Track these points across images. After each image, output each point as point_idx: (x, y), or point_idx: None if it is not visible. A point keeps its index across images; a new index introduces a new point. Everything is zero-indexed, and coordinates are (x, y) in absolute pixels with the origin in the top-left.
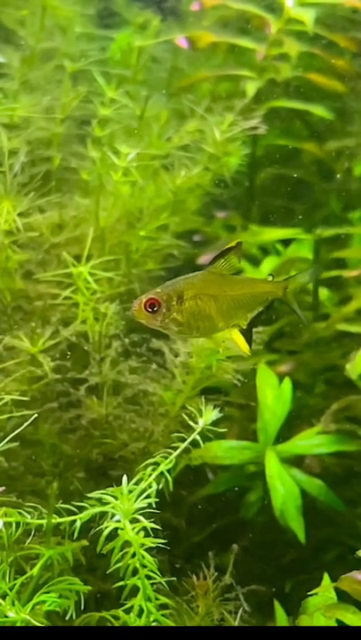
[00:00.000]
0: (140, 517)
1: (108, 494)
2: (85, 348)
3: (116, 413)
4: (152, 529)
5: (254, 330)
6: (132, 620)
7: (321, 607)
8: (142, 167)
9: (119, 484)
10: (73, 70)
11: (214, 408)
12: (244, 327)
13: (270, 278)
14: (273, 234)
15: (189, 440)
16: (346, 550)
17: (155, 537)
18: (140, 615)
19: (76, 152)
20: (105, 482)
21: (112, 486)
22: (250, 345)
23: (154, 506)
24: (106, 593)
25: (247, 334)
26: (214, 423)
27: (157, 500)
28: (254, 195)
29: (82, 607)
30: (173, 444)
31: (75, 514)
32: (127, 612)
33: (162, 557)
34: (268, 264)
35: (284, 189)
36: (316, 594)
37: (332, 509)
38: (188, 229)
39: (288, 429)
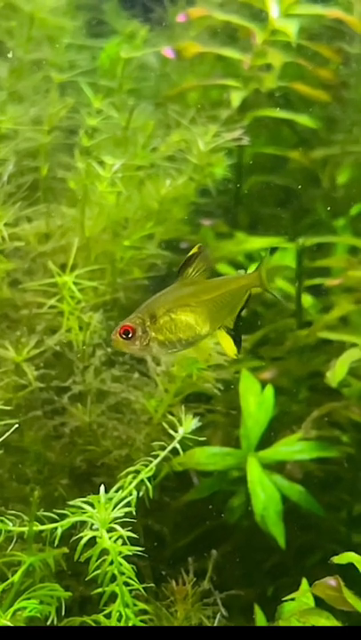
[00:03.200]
0: (117, 527)
1: (87, 503)
2: (69, 356)
3: (100, 421)
4: (135, 534)
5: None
6: (114, 624)
7: (296, 612)
8: (127, 177)
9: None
10: (60, 81)
11: (194, 416)
12: (232, 327)
13: (242, 272)
14: (257, 242)
15: (169, 448)
16: (329, 555)
17: (137, 543)
18: (119, 620)
19: (63, 162)
20: (89, 488)
21: (96, 493)
22: (240, 344)
23: (133, 513)
24: (89, 598)
25: (236, 333)
26: (199, 429)
27: (139, 506)
28: (241, 203)
29: (62, 613)
30: (155, 452)
31: (57, 521)
32: (108, 617)
33: (144, 563)
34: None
35: (271, 197)
36: (292, 599)
37: (315, 515)
38: (174, 238)
39: (273, 435)
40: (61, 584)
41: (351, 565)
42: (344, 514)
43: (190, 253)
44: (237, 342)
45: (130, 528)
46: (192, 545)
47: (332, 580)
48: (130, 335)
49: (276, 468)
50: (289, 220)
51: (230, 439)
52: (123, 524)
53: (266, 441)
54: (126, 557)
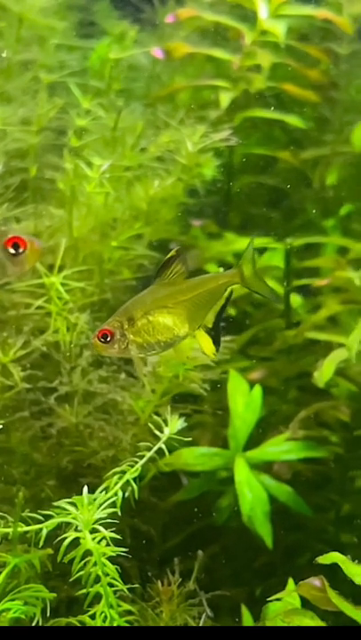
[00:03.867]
0: (100, 528)
1: (70, 504)
2: (57, 357)
3: (87, 422)
4: (121, 535)
5: (224, 340)
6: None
7: (281, 613)
8: (116, 178)
9: (89, 491)
10: (49, 82)
11: (180, 417)
12: (211, 326)
13: (221, 270)
14: (246, 242)
15: (155, 449)
16: (317, 555)
17: (123, 543)
18: (104, 621)
19: (52, 163)
20: (76, 489)
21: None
22: (218, 343)
23: (118, 514)
24: (76, 599)
25: (215, 333)
26: (188, 429)
27: (127, 507)
28: (232, 203)
29: (47, 614)
30: (141, 453)
31: (42, 522)
32: (93, 617)
33: (131, 564)
34: None
35: (263, 197)
36: (277, 599)
37: (304, 516)
38: (164, 238)
39: (262, 436)
40: (48, 585)
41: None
42: (333, 514)
43: (168, 256)
44: (216, 342)
45: (114, 529)
46: (181, 545)
47: (316, 581)
48: (108, 339)
49: (265, 468)
50: (280, 220)
51: (219, 439)
52: (107, 525)
53: (254, 441)
54: (112, 558)
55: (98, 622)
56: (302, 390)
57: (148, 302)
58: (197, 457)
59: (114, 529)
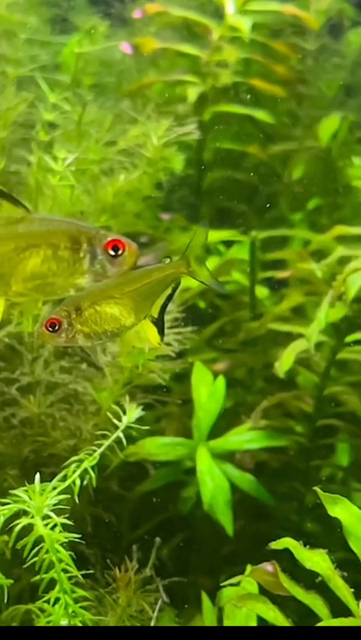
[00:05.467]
0: (52, 514)
1: (25, 492)
2: (19, 348)
3: (49, 412)
4: (83, 523)
5: (189, 330)
6: (56, 611)
7: (234, 598)
8: (81, 171)
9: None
10: (15, 76)
11: (139, 407)
12: (156, 316)
13: (167, 261)
14: (212, 235)
15: (112, 438)
16: None
17: (85, 531)
18: (60, 607)
19: (20, 157)
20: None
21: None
22: (162, 332)
23: (77, 501)
24: (37, 586)
25: (159, 322)
26: (155, 420)
27: (97, 495)
28: (203, 197)
29: (5, 600)
30: (99, 442)
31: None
32: (49, 603)
33: (93, 551)
34: (210, 265)
35: (233, 191)
36: (232, 584)
37: (268, 505)
38: (133, 232)
39: (229, 426)
40: (11, 573)
41: None
42: (297, 503)
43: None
44: (160, 331)
45: (67, 515)
46: (149, 534)
47: (269, 566)
48: (56, 328)
49: (230, 458)
50: (250, 213)
51: (186, 429)
52: (62, 512)
53: (220, 431)
54: (74, 547)
55: (57, 609)
56: (269, 381)
57: (96, 292)
58: (160, 447)
59: (67, 515)
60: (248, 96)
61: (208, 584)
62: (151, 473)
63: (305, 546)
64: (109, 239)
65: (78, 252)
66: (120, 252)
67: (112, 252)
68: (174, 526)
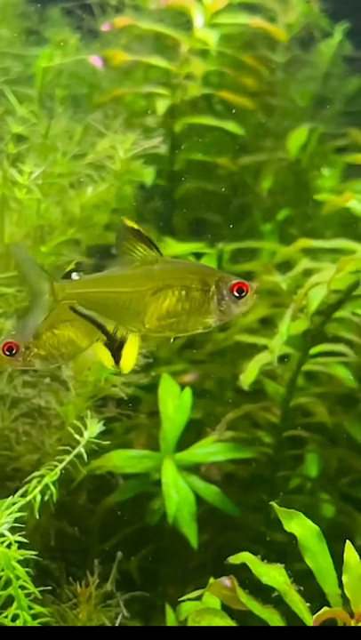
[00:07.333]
0: (6, 532)
1: None
2: None
3: (12, 426)
4: (47, 537)
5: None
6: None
7: (193, 612)
8: (48, 184)
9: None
10: None
11: (102, 420)
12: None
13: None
14: (180, 247)
15: (74, 454)
16: None
17: (48, 546)
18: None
19: None
20: (2, 493)
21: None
22: (119, 354)
23: (38, 517)
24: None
25: (114, 344)
26: (125, 432)
27: (63, 509)
28: (174, 208)
29: None
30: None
31: None
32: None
33: (57, 565)
34: None
35: (205, 203)
36: (192, 598)
37: (237, 516)
38: (103, 244)
39: (198, 438)
40: None
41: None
42: (264, 514)
43: (67, 269)
44: (116, 351)
45: (24, 533)
46: (117, 546)
47: (226, 580)
48: (14, 351)
49: (197, 470)
50: (222, 224)
51: (156, 441)
52: (19, 529)
53: (187, 443)
54: (36, 561)
55: (18, 623)
56: (239, 392)
57: (53, 316)
58: (127, 459)
59: (25, 533)
60: (219, 108)
61: (177, 595)
62: (121, 484)
63: (269, 558)
64: (235, 282)
65: (208, 293)
66: (244, 294)
67: (237, 294)
68: (143, 538)
